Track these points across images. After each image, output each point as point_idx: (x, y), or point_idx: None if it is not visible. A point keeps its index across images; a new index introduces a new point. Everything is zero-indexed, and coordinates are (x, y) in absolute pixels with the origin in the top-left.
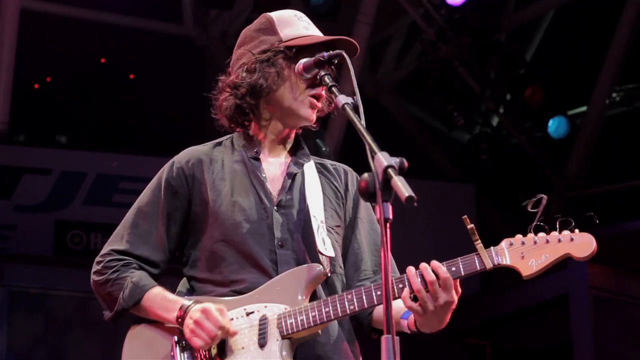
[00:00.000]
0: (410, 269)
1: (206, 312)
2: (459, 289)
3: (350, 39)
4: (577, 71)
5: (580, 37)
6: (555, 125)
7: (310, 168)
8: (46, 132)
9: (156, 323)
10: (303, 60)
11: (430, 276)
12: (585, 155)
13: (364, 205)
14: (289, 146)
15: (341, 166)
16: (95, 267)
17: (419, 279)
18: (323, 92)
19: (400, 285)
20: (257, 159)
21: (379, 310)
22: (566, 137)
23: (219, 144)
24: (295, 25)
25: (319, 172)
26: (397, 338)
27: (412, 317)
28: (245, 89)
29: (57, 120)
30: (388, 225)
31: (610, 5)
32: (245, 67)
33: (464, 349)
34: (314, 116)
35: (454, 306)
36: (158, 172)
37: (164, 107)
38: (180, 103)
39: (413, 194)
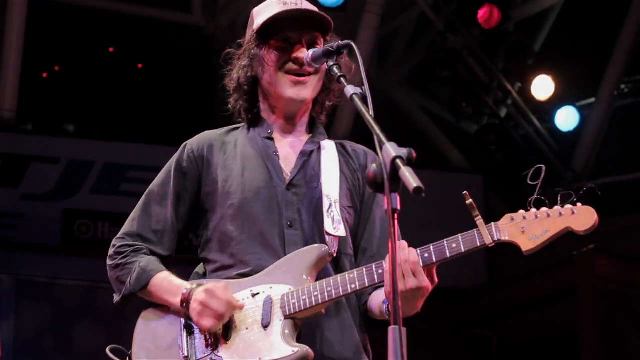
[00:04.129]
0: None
1: (210, 291)
2: (436, 279)
3: (316, 11)
4: (585, 62)
5: (588, 28)
6: (565, 116)
7: (329, 146)
8: (54, 121)
9: (165, 309)
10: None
11: (404, 255)
12: (594, 147)
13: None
14: (302, 127)
15: (361, 148)
16: (109, 252)
17: None
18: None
19: (380, 271)
20: (271, 139)
21: (373, 300)
22: (575, 129)
23: (235, 129)
24: (269, 10)
25: (339, 151)
26: (404, 329)
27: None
28: (235, 90)
29: (65, 109)
30: (396, 215)
31: None
32: (233, 69)
33: (470, 340)
34: (302, 92)
35: (426, 293)
36: (173, 156)
37: (172, 96)
38: (188, 92)
39: (421, 185)
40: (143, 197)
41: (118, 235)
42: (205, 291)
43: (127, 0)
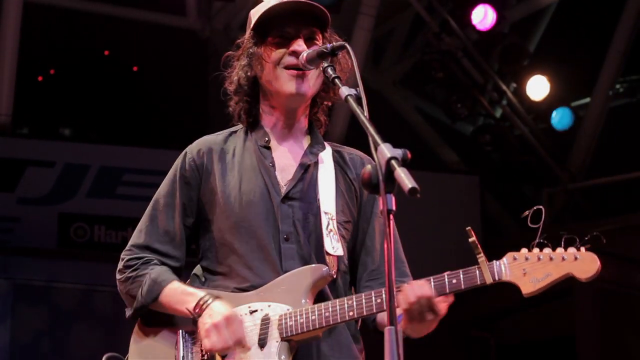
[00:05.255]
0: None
1: (228, 320)
2: (451, 298)
3: (313, 4)
4: (580, 62)
5: (583, 29)
6: (559, 117)
7: (327, 157)
8: (50, 125)
9: (160, 321)
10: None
11: (419, 292)
12: (589, 147)
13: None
14: (301, 134)
15: (358, 155)
16: (118, 266)
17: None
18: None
19: (379, 300)
20: (268, 148)
21: (382, 316)
22: (570, 129)
23: (234, 132)
24: (265, 7)
25: (336, 162)
26: (400, 330)
27: (402, 322)
28: (236, 92)
29: (61, 113)
30: (391, 217)
31: None
32: (233, 71)
33: (468, 341)
34: (302, 86)
35: (440, 317)
36: (174, 163)
37: (167, 99)
38: (184, 95)
39: (416, 186)
40: (149, 207)
41: (126, 248)
42: (224, 318)
43: (123, 4)
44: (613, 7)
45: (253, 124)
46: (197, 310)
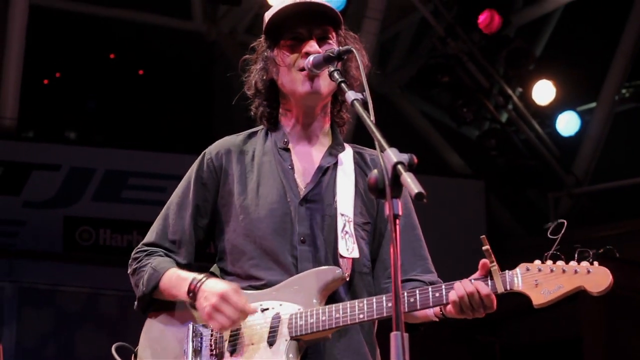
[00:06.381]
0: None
1: (224, 296)
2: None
3: (321, 3)
4: (586, 67)
5: (589, 33)
6: (566, 122)
7: (347, 159)
8: (55, 128)
9: (174, 311)
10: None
11: (469, 288)
12: (595, 152)
13: (403, 200)
14: (321, 134)
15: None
16: (129, 263)
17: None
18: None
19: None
20: (287, 150)
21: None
22: (576, 134)
23: (254, 134)
24: (275, 9)
25: (356, 162)
26: (406, 335)
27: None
28: (254, 95)
29: (66, 116)
30: (397, 221)
31: (620, 0)
32: (250, 75)
33: (473, 345)
34: (317, 85)
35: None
36: (193, 164)
37: (173, 102)
38: (189, 98)
39: (422, 190)
40: (164, 208)
41: (137, 247)
42: (219, 296)
43: (128, 7)
44: (619, 11)
45: (274, 125)
46: (190, 294)
